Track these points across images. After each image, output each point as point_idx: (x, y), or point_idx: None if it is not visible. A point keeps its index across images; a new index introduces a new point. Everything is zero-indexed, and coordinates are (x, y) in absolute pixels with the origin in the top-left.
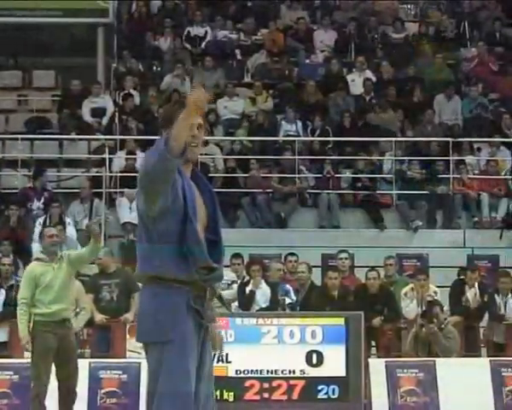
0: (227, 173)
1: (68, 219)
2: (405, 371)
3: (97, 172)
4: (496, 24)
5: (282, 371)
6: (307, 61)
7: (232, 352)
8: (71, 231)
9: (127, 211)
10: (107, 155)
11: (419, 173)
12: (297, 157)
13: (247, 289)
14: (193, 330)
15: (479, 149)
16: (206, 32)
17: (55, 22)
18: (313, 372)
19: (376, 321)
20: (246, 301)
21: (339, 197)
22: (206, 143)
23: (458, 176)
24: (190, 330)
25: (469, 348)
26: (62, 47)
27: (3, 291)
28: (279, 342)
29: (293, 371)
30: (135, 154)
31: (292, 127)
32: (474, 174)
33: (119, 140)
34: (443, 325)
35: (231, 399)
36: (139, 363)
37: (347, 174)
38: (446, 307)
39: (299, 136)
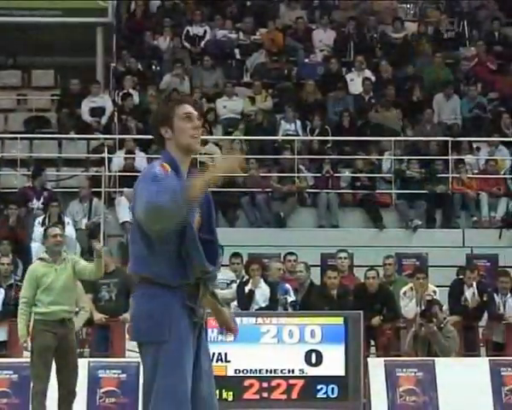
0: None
1: (67, 219)
2: (404, 370)
3: (96, 171)
4: (495, 23)
5: (282, 371)
6: (306, 60)
7: (231, 351)
8: (70, 230)
9: (126, 210)
10: (106, 155)
11: (418, 173)
12: (296, 157)
13: (247, 288)
14: (188, 328)
15: (478, 149)
16: (206, 32)
17: (54, 22)
18: (312, 372)
19: (375, 321)
20: (245, 301)
21: (338, 197)
22: (205, 142)
23: (457, 175)
24: (186, 329)
25: (468, 348)
26: (61, 46)
27: (3, 291)
28: (278, 341)
29: (293, 371)
30: (134, 153)
31: (291, 127)
32: (473, 174)
33: (118, 139)
34: (442, 325)
35: (230, 398)
36: (138, 362)
37: (346, 174)
38: (445, 307)
39: (298, 135)
